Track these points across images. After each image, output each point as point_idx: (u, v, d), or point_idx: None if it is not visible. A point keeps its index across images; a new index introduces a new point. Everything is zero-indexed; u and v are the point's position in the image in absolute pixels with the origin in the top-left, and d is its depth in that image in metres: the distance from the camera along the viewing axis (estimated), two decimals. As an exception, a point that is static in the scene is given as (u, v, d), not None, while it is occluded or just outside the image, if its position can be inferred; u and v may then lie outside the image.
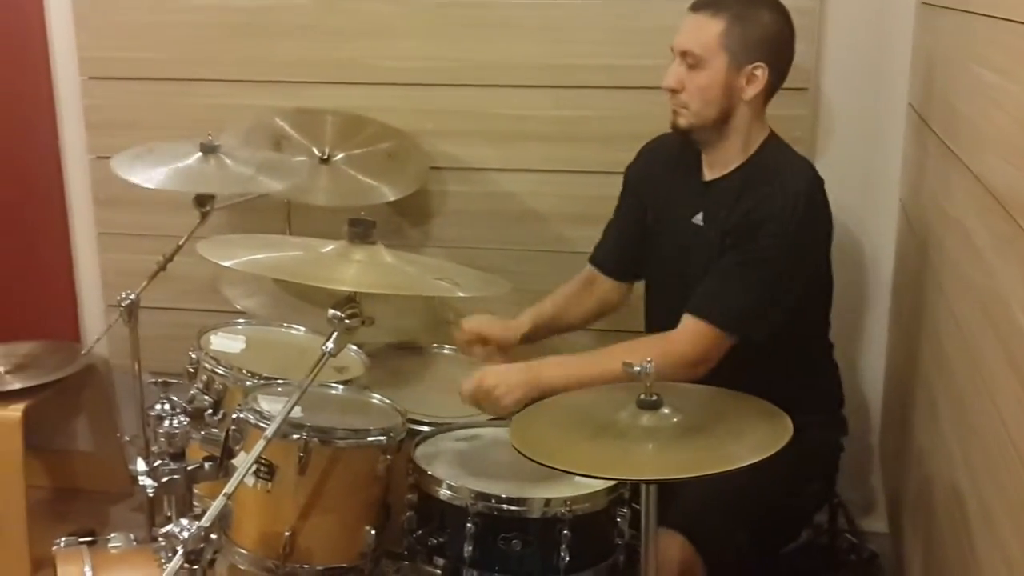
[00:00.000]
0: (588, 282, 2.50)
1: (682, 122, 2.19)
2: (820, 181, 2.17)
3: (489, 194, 2.86)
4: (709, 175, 2.24)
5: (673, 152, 2.29)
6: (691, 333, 2.09)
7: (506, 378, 2.10)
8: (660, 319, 2.34)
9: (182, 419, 1.98)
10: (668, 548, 1.96)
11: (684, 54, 2.15)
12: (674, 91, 2.17)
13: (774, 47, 2.14)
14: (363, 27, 2.84)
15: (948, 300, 2.00)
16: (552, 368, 2.12)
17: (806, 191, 2.12)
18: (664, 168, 2.34)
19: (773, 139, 2.21)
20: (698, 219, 2.23)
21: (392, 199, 2.69)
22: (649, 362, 1.72)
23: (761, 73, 2.12)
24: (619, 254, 2.47)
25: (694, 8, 2.16)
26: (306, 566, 1.99)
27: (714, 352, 2.08)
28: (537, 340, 2.46)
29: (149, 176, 2.38)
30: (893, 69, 2.65)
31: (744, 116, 2.16)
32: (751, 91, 2.13)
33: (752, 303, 2.09)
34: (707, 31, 2.12)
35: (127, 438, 2.69)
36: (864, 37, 2.65)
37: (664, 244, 2.34)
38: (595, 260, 2.50)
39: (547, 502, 1.92)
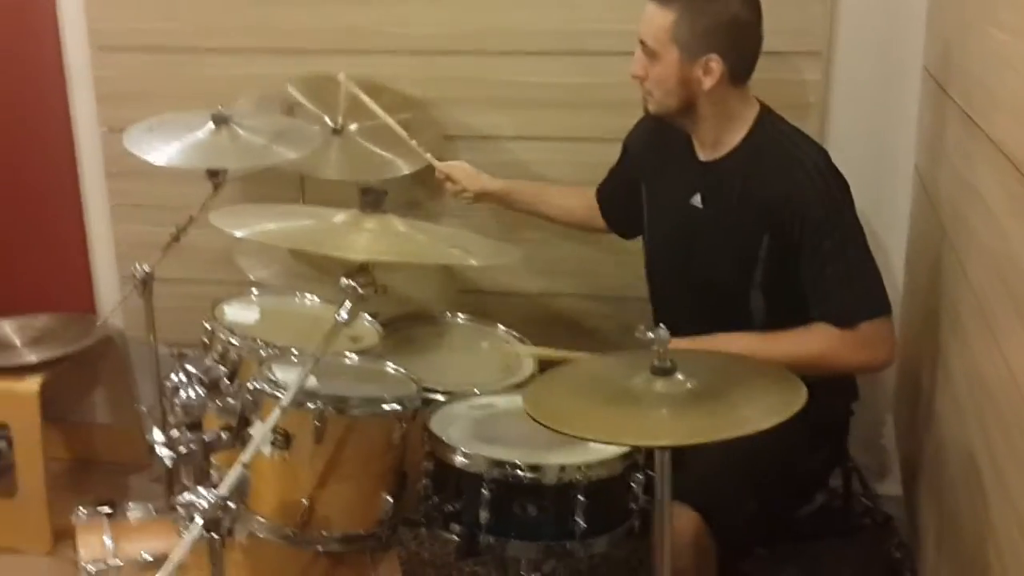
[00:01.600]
0: (586, 201, 2.58)
1: (651, 108, 2.19)
2: (826, 151, 2.17)
3: (502, 162, 2.85)
4: (704, 155, 2.22)
5: (666, 129, 2.27)
6: (873, 338, 2.07)
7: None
8: (663, 298, 2.35)
9: (198, 389, 2.00)
10: (679, 517, 1.97)
11: (642, 43, 2.13)
12: (639, 78, 2.16)
13: (729, 36, 2.08)
14: (374, -6, 2.82)
15: (962, 264, 1.99)
16: (737, 343, 2.08)
17: (825, 163, 2.12)
18: (659, 145, 2.32)
19: (766, 114, 2.18)
20: (696, 200, 2.22)
21: (406, 172, 2.68)
22: (661, 327, 1.73)
23: (716, 65, 2.07)
24: (615, 205, 2.53)
25: None
26: (324, 533, 2.01)
27: (894, 337, 2.11)
28: (504, 205, 2.64)
29: (162, 153, 2.38)
30: (908, 32, 2.62)
31: (709, 105, 2.13)
32: (708, 82, 2.09)
33: (874, 275, 2.10)
34: (657, 22, 2.09)
35: (144, 409, 2.71)
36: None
37: (662, 223, 2.34)
38: (599, 197, 2.57)
39: (562, 468, 1.92)
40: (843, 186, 2.11)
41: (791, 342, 2.08)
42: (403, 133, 2.61)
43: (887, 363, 2.12)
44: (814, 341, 2.07)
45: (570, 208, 2.62)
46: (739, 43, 2.11)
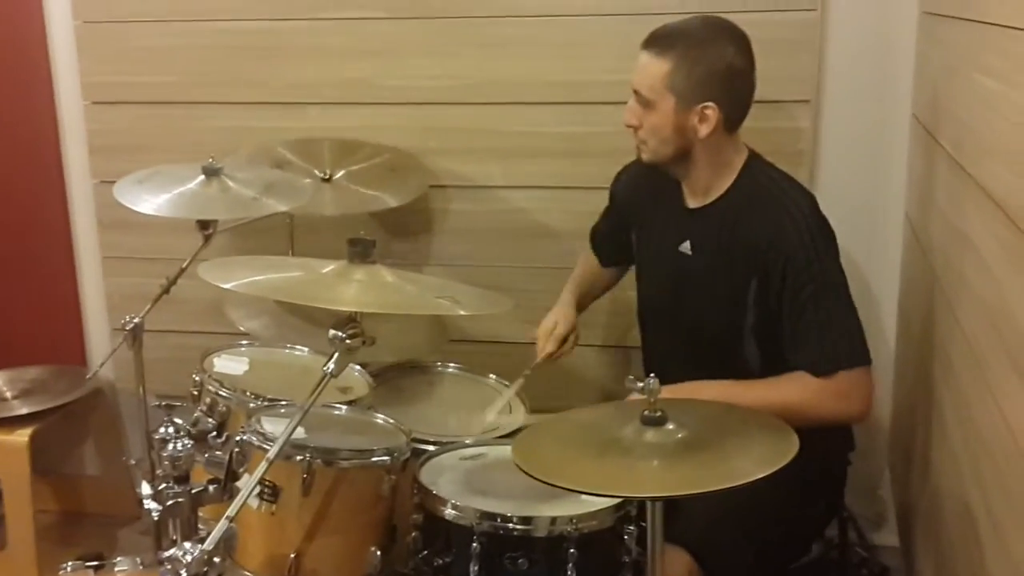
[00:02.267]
0: (592, 264, 2.58)
1: (645, 157, 2.19)
2: (814, 197, 2.16)
3: (492, 211, 2.86)
4: (693, 203, 2.22)
5: (654, 177, 2.26)
6: (849, 389, 2.04)
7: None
8: (655, 345, 2.34)
9: (186, 442, 1.98)
10: (674, 565, 1.94)
11: (636, 92, 2.14)
12: (633, 127, 2.16)
13: (725, 84, 2.09)
14: (367, 47, 2.84)
15: (955, 311, 1.98)
16: (712, 390, 2.05)
17: (811, 209, 2.10)
18: (647, 192, 2.32)
19: (754, 160, 2.18)
20: (685, 247, 2.21)
21: (394, 205, 2.67)
22: (653, 378, 1.72)
23: (712, 113, 2.07)
24: (606, 244, 2.54)
25: (644, 45, 2.13)
26: (312, 588, 1.98)
27: (871, 390, 2.07)
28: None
29: (152, 204, 2.38)
30: (896, 79, 2.64)
31: (704, 152, 2.13)
32: (704, 130, 2.09)
33: (854, 325, 2.07)
34: (653, 72, 2.09)
35: (133, 461, 2.69)
36: (866, 48, 2.64)
37: (652, 270, 2.34)
38: (593, 238, 2.59)
39: (553, 520, 1.90)
40: (828, 234, 2.11)
41: (766, 390, 2.06)
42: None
43: (863, 415, 2.09)
44: (789, 389, 2.04)
45: (596, 278, 2.59)
46: (734, 91, 2.11)
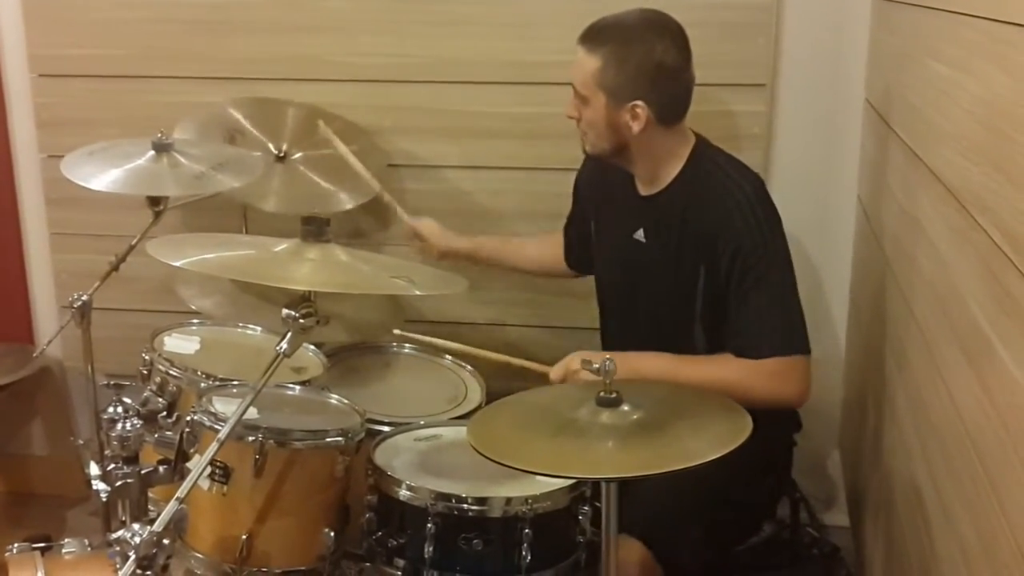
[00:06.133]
0: (549, 248, 2.58)
1: (587, 149, 2.20)
2: (761, 180, 2.17)
3: (448, 192, 2.84)
4: (644, 191, 2.22)
5: (610, 165, 2.26)
6: (781, 373, 2.03)
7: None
8: (613, 330, 2.36)
9: (135, 422, 1.96)
10: (625, 549, 1.95)
11: (573, 87, 2.14)
12: (575, 119, 2.17)
13: (654, 83, 2.07)
14: (322, 23, 2.80)
15: (905, 295, 2.01)
16: (651, 360, 2.08)
17: (757, 194, 2.09)
18: (603, 181, 2.32)
19: (701, 146, 2.18)
20: (639, 235, 2.22)
21: (350, 207, 2.64)
22: (609, 360, 1.72)
23: (641, 111, 2.07)
24: (574, 243, 2.52)
25: (579, 40, 2.12)
26: (264, 569, 1.97)
27: (807, 377, 2.05)
28: (471, 262, 2.59)
29: (101, 180, 2.33)
30: (850, 65, 2.65)
31: (641, 146, 2.13)
32: (636, 127, 2.08)
33: (793, 312, 2.07)
34: (586, 68, 2.09)
35: (81, 441, 2.64)
36: (821, 33, 2.65)
37: (608, 259, 2.34)
38: (565, 234, 2.55)
39: (508, 501, 1.91)
40: (774, 216, 2.10)
41: (705, 366, 2.07)
42: (377, 185, 2.57)
43: (799, 400, 2.09)
44: (726, 368, 2.04)
45: (534, 258, 2.61)
46: (665, 88, 2.10)
